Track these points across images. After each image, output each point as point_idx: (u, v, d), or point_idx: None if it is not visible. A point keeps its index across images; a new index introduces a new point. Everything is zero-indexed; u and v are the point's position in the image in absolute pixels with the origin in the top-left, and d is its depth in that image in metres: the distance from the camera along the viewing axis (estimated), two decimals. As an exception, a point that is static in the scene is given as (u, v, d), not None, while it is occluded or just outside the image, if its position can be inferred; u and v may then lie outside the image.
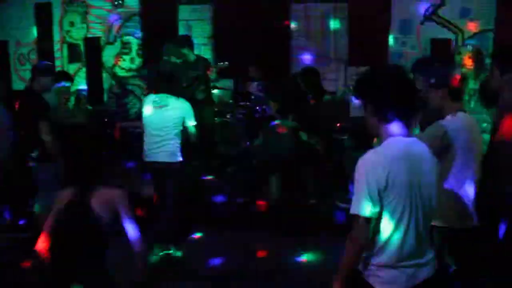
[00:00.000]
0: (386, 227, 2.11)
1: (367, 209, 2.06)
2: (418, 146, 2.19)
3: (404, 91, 2.12)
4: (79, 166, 2.83)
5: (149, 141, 4.45)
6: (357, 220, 2.09)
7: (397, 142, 2.12)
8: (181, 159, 4.45)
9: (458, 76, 2.86)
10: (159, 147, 4.38)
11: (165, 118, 4.37)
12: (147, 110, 4.47)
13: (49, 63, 5.46)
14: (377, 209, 2.07)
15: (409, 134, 2.16)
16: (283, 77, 7.54)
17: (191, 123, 4.46)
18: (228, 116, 7.21)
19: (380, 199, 2.06)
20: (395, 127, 2.13)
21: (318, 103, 5.80)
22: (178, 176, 4.44)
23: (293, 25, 8.16)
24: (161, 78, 4.52)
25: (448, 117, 2.91)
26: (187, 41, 6.20)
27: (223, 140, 7.10)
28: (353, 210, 2.09)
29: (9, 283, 4.04)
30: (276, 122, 5.49)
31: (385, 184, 2.04)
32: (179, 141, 4.43)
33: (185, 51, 6.01)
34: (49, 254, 2.68)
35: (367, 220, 2.08)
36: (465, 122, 2.95)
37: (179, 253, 4.49)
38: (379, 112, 2.12)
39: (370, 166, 2.07)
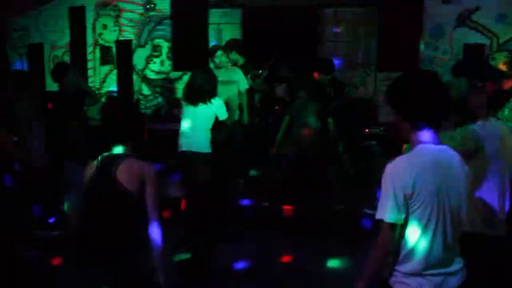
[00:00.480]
0: (413, 234, 2.08)
1: (392, 215, 2.05)
2: (448, 154, 2.15)
3: (436, 98, 2.09)
4: (104, 132, 2.77)
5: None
6: (382, 225, 2.08)
7: (427, 150, 2.09)
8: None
9: (507, 83, 2.78)
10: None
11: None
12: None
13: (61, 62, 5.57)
14: (402, 216, 2.05)
15: (440, 141, 2.12)
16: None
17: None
18: (256, 120, 7.22)
19: (406, 205, 2.03)
20: (426, 135, 2.10)
21: (342, 103, 5.75)
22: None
23: (322, 29, 8.14)
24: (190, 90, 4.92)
25: (479, 122, 2.83)
26: (236, 45, 6.26)
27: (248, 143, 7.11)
28: (378, 215, 2.08)
29: (38, 280, 4.13)
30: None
31: (411, 191, 2.01)
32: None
33: (233, 56, 6.10)
34: (76, 230, 2.63)
35: (392, 226, 2.07)
36: (497, 129, 2.86)
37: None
38: (410, 120, 2.08)
39: (397, 172, 2.05)
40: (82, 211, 2.62)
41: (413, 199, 2.02)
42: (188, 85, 4.97)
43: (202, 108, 4.84)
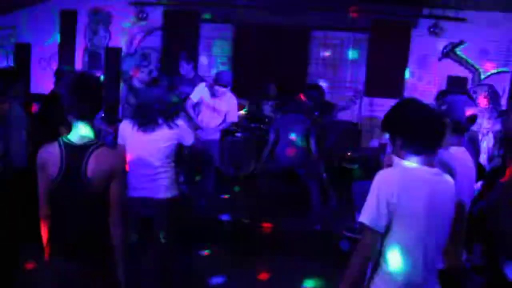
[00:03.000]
0: (394, 254, 2.10)
1: (373, 219, 2.07)
2: (440, 178, 2.19)
3: (434, 128, 2.15)
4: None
5: None
6: (363, 230, 2.11)
7: (418, 169, 2.14)
8: None
9: (468, 112, 2.81)
10: None
11: None
12: None
13: (68, 67, 5.55)
14: (383, 223, 2.07)
15: (433, 165, 2.17)
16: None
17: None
18: (238, 135, 7.25)
19: (388, 214, 2.06)
20: (421, 159, 2.15)
21: (326, 124, 5.82)
22: None
23: (311, 51, 8.27)
24: None
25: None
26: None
27: (231, 159, 7.13)
28: (361, 218, 2.11)
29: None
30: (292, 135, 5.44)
31: (396, 201, 2.04)
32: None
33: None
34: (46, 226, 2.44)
35: (372, 231, 2.09)
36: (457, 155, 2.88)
37: None
38: (408, 146, 2.15)
39: (385, 180, 2.10)
40: (51, 207, 2.42)
41: (398, 211, 2.05)
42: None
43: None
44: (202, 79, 6.18)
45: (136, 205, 3.40)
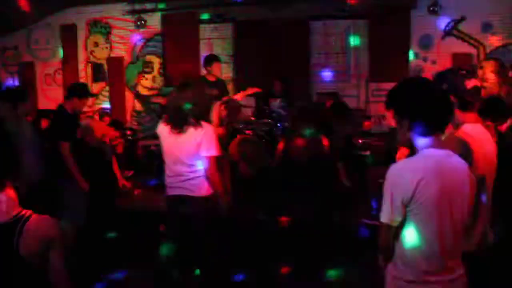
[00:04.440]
0: (413, 241, 2.09)
1: (388, 216, 2.07)
2: (453, 160, 2.14)
3: (442, 106, 2.12)
4: None
5: None
6: (380, 226, 2.12)
7: (431, 155, 2.09)
8: None
9: (469, 85, 2.75)
10: None
11: None
12: None
13: (85, 84, 5.57)
14: (399, 218, 2.07)
15: (443, 146, 2.14)
16: (305, 95, 7.60)
17: None
18: (247, 132, 7.24)
19: (403, 208, 2.05)
20: (429, 140, 2.11)
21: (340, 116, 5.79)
22: None
23: (312, 42, 8.24)
24: None
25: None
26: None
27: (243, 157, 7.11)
28: (380, 217, 2.11)
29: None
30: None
31: (411, 194, 2.02)
32: None
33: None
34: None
35: (388, 227, 2.09)
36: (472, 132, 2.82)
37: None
38: (415, 127, 2.10)
39: (398, 174, 2.07)
40: None
41: (413, 203, 2.03)
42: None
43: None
44: (224, 83, 6.21)
45: (174, 204, 3.56)
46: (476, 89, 2.75)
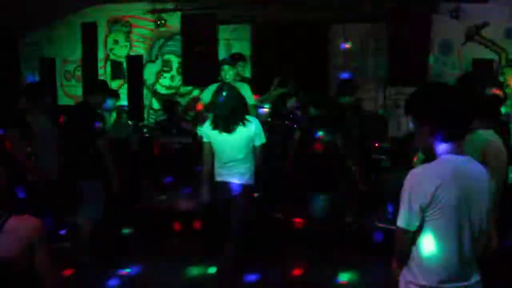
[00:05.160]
0: (429, 246, 2.06)
1: (405, 221, 2.06)
2: (473, 166, 2.12)
3: (464, 112, 2.09)
4: None
5: None
6: (396, 230, 2.10)
7: (451, 161, 2.07)
8: None
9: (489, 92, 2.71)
10: None
11: None
12: None
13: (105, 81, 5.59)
14: (416, 223, 2.05)
15: (463, 152, 2.11)
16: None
17: None
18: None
19: (421, 214, 2.03)
20: (450, 146, 2.08)
21: (356, 119, 5.76)
22: None
23: (331, 45, 8.21)
24: None
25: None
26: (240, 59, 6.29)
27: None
28: (397, 222, 2.09)
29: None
30: (319, 134, 5.41)
31: (429, 200, 2.00)
32: None
33: (239, 69, 6.19)
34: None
35: (405, 232, 2.07)
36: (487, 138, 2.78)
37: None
38: (436, 133, 2.07)
39: (417, 180, 2.05)
40: None
41: (431, 208, 2.01)
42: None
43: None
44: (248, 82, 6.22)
45: (220, 189, 4.17)
46: (496, 98, 2.72)
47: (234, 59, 6.28)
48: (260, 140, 4.21)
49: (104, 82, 5.66)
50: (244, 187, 4.16)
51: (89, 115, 4.75)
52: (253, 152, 4.20)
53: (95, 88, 5.08)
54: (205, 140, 4.25)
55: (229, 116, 4.08)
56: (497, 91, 2.77)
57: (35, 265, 2.04)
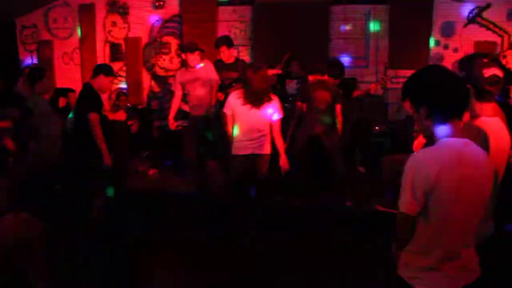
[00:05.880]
0: (430, 229, 2.07)
1: (407, 205, 2.06)
2: (473, 149, 2.11)
3: (458, 92, 2.08)
4: None
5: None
6: (398, 215, 2.10)
7: (451, 144, 2.06)
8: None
9: (487, 73, 2.64)
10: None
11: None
12: None
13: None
14: (418, 207, 2.05)
15: (462, 135, 2.10)
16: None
17: None
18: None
19: (423, 198, 2.02)
20: (448, 128, 2.08)
21: (355, 103, 5.75)
22: None
23: (332, 26, 8.14)
24: None
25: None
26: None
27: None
28: (399, 206, 2.09)
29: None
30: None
31: (432, 184, 2.00)
32: None
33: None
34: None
35: (407, 217, 2.07)
36: (488, 124, 2.73)
37: None
38: (433, 114, 2.08)
39: (419, 164, 2.04)
40: None
41: (432, 192, 2.01)
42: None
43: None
44: (245, 64, 6.16)
45: (244, 160, 4.59)
46: (495, 78, 2.66)
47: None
48: (279, 115, 4.62)
49: (107, 64, 5.59)
50: (264, 157, 4.63)
51: (89, 94, 4.79)
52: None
53: (98, 69, 5.04)
54: (227, 111, 4.64)
55: (264, 93, 4.49)
56: (496, 70, 2.69)
57: (29, 264, 1.98)
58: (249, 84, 4.51)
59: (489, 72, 2.64)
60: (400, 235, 2.15)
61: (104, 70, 4.95)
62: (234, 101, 4.59)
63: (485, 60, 2.76)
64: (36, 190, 4.63)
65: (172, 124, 5.95)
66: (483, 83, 2.61)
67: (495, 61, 2.85)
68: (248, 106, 4.50)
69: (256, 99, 4.49)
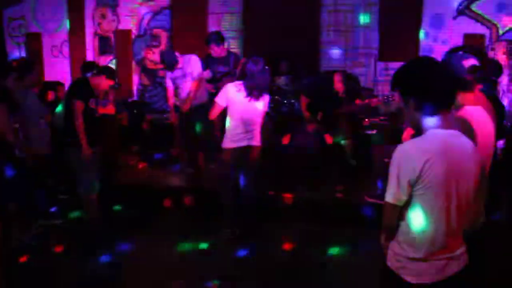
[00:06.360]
0: (417, 219, 2.09)
1: (394, 196, 2.07)
2: (460, 140, 2.13)
3: (447, 83, 2.09)
4: None
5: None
6: (384, 205, 2.12)
7: (438, 135, 2.07)
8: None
9: (466, 64, 2.68)
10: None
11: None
12: None
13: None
14: (404, 198, 2.07)
15: (450, 126, 2.12)
16: (314, 72, 7.52)
17: None
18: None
19: (409, 189, 2.04)
20: (436, 120, 2.09)
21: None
22: None
23: (322, 18, 8.13)
24: None
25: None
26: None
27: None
28: (385, 197, 2.11)
29: (41, 269, 4.15)
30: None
31: (418, 175, 2.01)
32: None
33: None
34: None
35: (393, 207, 2.09)
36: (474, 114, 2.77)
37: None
38: (422, 106, 2.08)
39: (405, 155, 2.06)
40: None
41: (419, 183, 2.03)
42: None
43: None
44: (237, 57, 6.14)
45: (240, 152, 4.62)
46: (473, 68, 2.70)
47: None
48: (267, 108, 4.81)
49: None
50: (257, 148, 4.70)
51: (81, 85, 4.75)
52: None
53: (103, 70, 4.99)
54: (221, 103, 4.59)
55: (265, 86, 4.61)
56: (474, 61, 2.74)
57: None
58: (252, 77, 4.51)
59: (468, 63, 2.68)
60: (387, 225, 2.17)
61: (108, 73, 4.91)
62: (233, 93, 4.55)
63: (462, 52, 2.80)
64: (24, 184, 4.61)
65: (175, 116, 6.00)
66: (462, 73, 2.64)
67: (473, 52, 2.88)
68: (248, 98, 4.52)
69: (258, 91, 4.54)
